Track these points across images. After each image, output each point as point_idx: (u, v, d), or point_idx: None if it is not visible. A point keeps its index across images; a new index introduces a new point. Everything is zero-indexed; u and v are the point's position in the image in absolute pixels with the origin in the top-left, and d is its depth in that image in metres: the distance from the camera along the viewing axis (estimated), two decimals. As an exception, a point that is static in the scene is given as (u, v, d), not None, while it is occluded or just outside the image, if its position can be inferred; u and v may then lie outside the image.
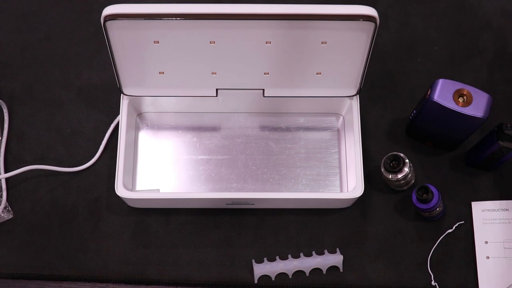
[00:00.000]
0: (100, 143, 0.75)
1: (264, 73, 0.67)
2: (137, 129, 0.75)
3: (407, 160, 0.70)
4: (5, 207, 0.72)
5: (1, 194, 0.73)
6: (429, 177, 0.74)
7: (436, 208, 0.69)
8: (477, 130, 0.68)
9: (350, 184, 0.70)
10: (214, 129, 0.76)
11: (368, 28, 0.60)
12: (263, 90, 0.70)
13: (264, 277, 0.69)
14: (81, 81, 0.80)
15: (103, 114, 0.77)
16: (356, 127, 0.70)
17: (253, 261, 0.69)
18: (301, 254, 0.70)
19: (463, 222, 0.72)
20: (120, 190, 0.67)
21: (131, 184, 0.72)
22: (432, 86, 0.67)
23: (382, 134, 0.77)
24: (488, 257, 0.70)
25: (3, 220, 0.72)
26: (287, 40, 0.62)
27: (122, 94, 0.71)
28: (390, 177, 0.70)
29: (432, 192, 0.68)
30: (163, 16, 0.58)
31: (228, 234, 0.71)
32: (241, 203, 0.70)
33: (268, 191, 0.72)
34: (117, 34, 0.61)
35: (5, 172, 0.74)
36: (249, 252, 0.70)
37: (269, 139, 0.75)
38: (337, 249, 0.70)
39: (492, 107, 0.66)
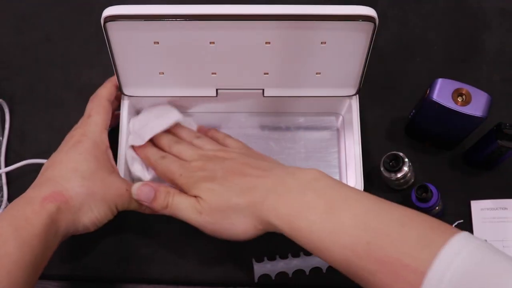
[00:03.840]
0: (101, 143, 0.75)
1: (264, 73, 0.67)
2: (137, 129, 0.76)
3: (406, 160, 0.70)
4: (5, 206, 0.72)
5: (2, 194, 0.73)
6: (428, 176, 0.74)
7: (436, 207, 0.69)
8: (476, 129, 0.69)
9: (350, 183, 0.71)
10: (214, 129, 0.76)
11: (367, 29, 0.60)
12: (263, 90, 0.70)
13: (264, 276, 0.69)
14: (81, 81, 0.80)
15: (103, 114, 0.77)
16: (355, 127, 0.70)
17: (253, 260, 0.70)
18: (301, 253, 0.70)
19: (462, 221, 0.72)
20: (121, 190, 0.68)
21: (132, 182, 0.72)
22: (431, 85, 0.67)
23: (381, 134, 0.77)
24: (487, 256, 0.70)
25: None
26: (286, 41, 0.62)
27: (122, 95, 0.71)
28: (389, 176, 0.71)
29: (431, 191, 0.68)
30: (163, 17, 0.58)
31: (229, 233, 0.72)
32: (241, 202, 0.70)
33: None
34: (117, 35, 0.61)
35: (6, 174, 0.74)
36: (249, 251, 0.71)
37: (269, 139, 0.76)
38: (337, 248, 0.70)
39: (491, 106, 0.66)
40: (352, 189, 0.55)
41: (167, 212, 0.61)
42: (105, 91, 0.67)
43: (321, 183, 0.55)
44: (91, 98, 0.67)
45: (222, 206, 0.57)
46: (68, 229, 0.58)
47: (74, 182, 0.58)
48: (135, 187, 0.62)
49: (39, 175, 0.61)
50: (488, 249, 0.45)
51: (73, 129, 0.67)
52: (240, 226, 0.57)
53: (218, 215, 0.58)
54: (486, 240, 0.70)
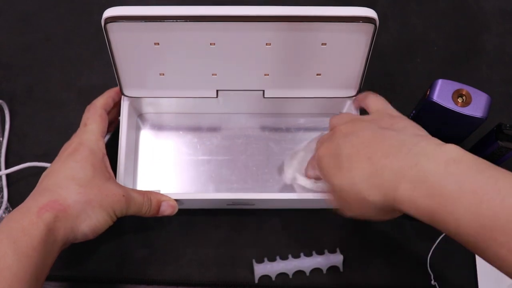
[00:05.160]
0: (101, 144, 0.75)
1: (264, 74, 0.67)
2: (137, 129, 0.76)
3: (406, 160, 0.70)
4: (6, 208, 0.72)
5: (2, 195, 0.73)
6: (429, 177, 0.74)
7: (436, 208, 0.69)
8: (476, 130, 0.69)
9: (350, 184, 0.71)
10: (214, 130, 0.76)
11: (367, 30, 0.60)
12: (263, 91, 0.70)
13: (265, 277, 0.69)
14: (81, 82, 0.80)
15: (103, 115, 0.77)
16: (356, 128, 0.70)
17: (254, 261, 0.70)
18: (302, 254, 0.70)
19: (462, 221, 0.72)
20: (121, 191, 0.68)
21: (131, 185, 0.72)
22: (431, 86, 0.67)
23: (381, 134, 0.77)
24: (488, 257, 0.70)
25: (4, 220, 0.72)
26: (287, 42, 0.62)
27: (122, 96, 0.71)
28: (389, 177, 0.70)
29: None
30: (164, 19, 0.58)
31: (229, 234, 0.72)
32: (241, 203, 0.70)
33: (268, 192, 0.73)
34: (117, 36, 0.61)
35: (7, 175, 0.74)
36: (249, 252, 0.71)
37: (269, 140, 0.76)
38: (337, 249, 0.70)
39: (491, 107, 0.66)
40: (501, 172, 0.46)
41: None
42: (101, 101, 0.68)
43: (462, 166, 0.47)
44: (87, 107, 0.67)
45: (354, 201, 0.54)
46: (67, 237, 0.57)
47: (71, 190, 0.58)
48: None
49: (37, 184, 0.61)
50: None
51: (70, 138, 0.67)
52: (377, 217, 0.54)
53: (355, 209, 0.55)
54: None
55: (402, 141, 0.52)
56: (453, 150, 0.48)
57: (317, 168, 0.60)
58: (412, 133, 0.54)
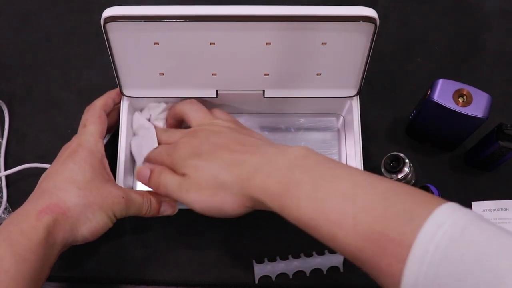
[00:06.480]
0: (101, 144, 0.75)
1: (264, 74, 0.67)
2: (137, 129, 0.76)
3: (407, 160, 0.70)
4: (5, 208, 0.72)
5: (1, 195, 0.73)
6: (429, 177, 0.74)
7: (436, 208, 0.69)
8: (477, 130, 0.69)
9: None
10: (214, 129, 0.76)
11: (368, 29, 0.60)
12: (263, 91, 0.70)
13: (265, 277, 0.69)
14: (81, 82, 0.80)
15: (103, 115, 0.77)
16: (356, 127, 0.70)
17: (254, 261, 0.70)
18: (302, 254, 0.70)
19: (463, 222, 0.72)
20: (121, 191, 0.67)
21: (131, 185, 0.72)
22: (432, 86, 0.67)
23: (382, 134, 0.77)
24: (488, 257, 0.70)
25: (3, 221, 0.71)
26: (287, 41, 0.62)
27: (122, 95, 0.71)
28: (390, 177, 0.70)
29: (432, 192, 0.68)
30: (163, 18, 0.58)
31: (229, 234, 0.72)
32: (241, 203, 0.70)
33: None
34: (117, 35, 0.61)
35: (6, 175, 0.74)
36: (249, 252, 0.71)
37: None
38: (338, 249, 0.70)
39: (492, 107, 0.66)
40: (341, 165, 0.55)
41: (160, 191, 0.62)
42: (101, 102, 0.67)
43: (309, 160, 0.54)
44: (87, 108, 0.67)
45: (209, 182, 0.57)
46: (67, 239, 0.57)
47: (70, 193, 0.58)
48: (136, 170, 0.65)
49: (36, 186, 0.61)
50: (472, 218, 0.44)
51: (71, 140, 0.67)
52: (229, 204, 0.57)
53: (206, 192, 0.57)
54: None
55: (259, 144, 0.59)
56: (301, 149, 0.56)
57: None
58: (266, 141, 0.62)
